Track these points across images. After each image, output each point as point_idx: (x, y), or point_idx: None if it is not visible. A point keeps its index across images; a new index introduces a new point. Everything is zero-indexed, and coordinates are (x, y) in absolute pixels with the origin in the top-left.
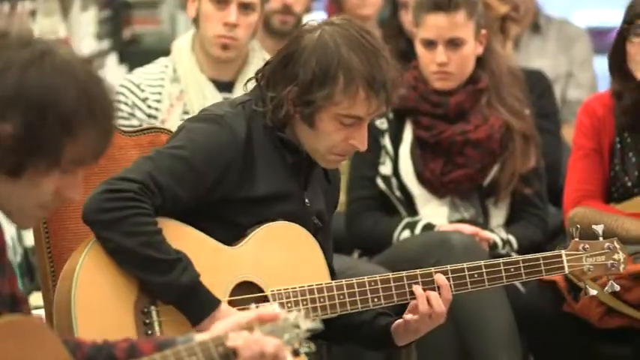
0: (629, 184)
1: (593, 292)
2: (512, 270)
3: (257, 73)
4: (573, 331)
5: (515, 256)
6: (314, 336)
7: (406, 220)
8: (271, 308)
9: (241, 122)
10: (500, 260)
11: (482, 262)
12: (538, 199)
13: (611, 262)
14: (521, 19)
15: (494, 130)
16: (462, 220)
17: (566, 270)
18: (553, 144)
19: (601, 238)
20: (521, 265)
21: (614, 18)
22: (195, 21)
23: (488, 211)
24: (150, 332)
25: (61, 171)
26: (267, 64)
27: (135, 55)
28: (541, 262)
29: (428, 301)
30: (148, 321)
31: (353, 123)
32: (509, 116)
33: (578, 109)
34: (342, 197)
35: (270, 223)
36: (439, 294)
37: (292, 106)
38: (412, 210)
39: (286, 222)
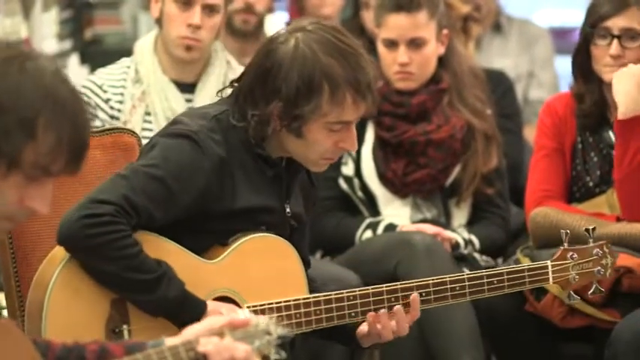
0: (591, 184)
1: (577, 298)
2: (495, 282)
3: (232, 83)
4: (535, 331)
5: (499, 268)
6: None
7: (368, 220)
8: (243, 314)
9: (217, 138)
10: (484, 272)
11: (465, 275)
12: (500, 199)
13: (598, 268)
14: (483, 19)
15: (456, 130)
16: (424, 220)
17: (551, 281)
18: (515, 144)
19: (591, 241)
20: (505, 277)
21: (575, 18)
22: (159, 22)
23: (450, 211)
24: None
25: (25, 177)
26: (242, 75)
27: (96, 55)
28: (526, 273)
29: (393, 325)
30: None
31: (342, 128)
32: (471, 116)
33: (539, 109)
34: None
35: (252, 236)
36: (408, 311)
37: (279, 121)
38: (374, 210)
39: (267, 234)
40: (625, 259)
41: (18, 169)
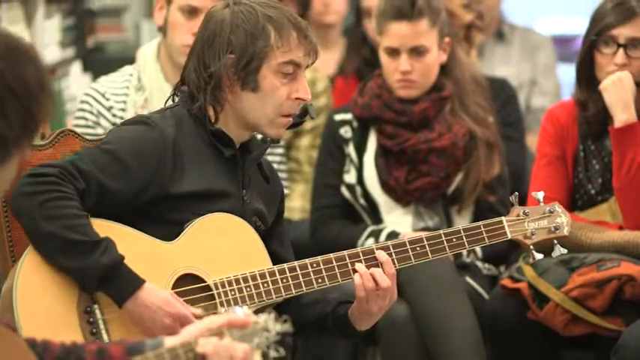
0: (593, 191)
1: (540, 256)
2: (454, 240)
3: (182, 77)
4: (537, 339)
5: (455, 227)
6: (292, 332)
7: (370, 228)
8: (242, 313)
9: (169, 122)
10: (441, 231)
11: (423, 235)
12: (502, 206)
13: (554, 225)
14: (485, 27)
15: (458, 138)
16: (426, 228)
17: (509, 235)
18: (517, 152)
19: (541, 203)
20: (463, 234)
21: (577, 26)
22: (162, 29)
23: (452, 219)
24: (95, 331)
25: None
26: (187, 62)
27: (99, 63)
28: (482, 229)
29: (373, 277)
30: (91, 319)
31: (293, 72)
32: (473, 124)
33: (542, 117)
34: (307, 204)
35: (205, 216)
36: (383, 270)
37: (233, 73)
38: (377, 218)
39: (220, 213)
40: (627, 267)
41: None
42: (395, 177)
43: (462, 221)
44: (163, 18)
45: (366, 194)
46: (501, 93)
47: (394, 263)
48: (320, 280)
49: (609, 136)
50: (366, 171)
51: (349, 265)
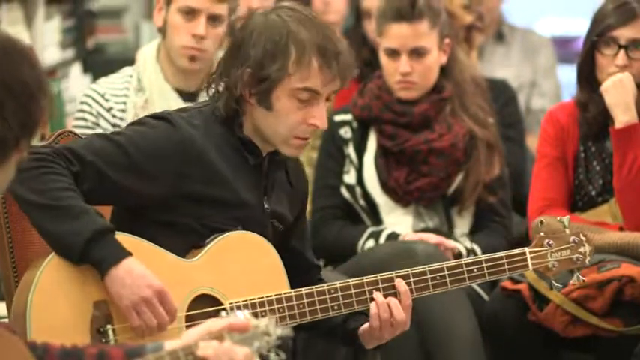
0: (593, 193)
1: (560, 286)
2: (475, 270)
3: (211, 75)
4: (537, 340)
5: (477, 256)
6: (297, 327)
7: (370, 229)
8: (242, 316)
9: (196, 123)
10: (463, 261)
11: (444, 264)
12: (502, 207)
13: (577, 255)
14: (485, 28)
15: (458, 139)
16: (426, 229)
17: (530, 267)
18: (517, 153)
19: (567, 230)
20: (484, 265)
21: (577, 27)
22: (162, 31)
23: (453, 220)
24: None
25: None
26: (218, 63)
27: (99, 64)
28: (504, 260)
29: (389, 308)
30: (104, 340)
31: (310, 98)
32: (473, 125)
33: (542, 118)
34: (308, 206)
35: (228, 234)
36: (399, 300)
37: (247, 88)
38: (377, 219)
39: (243, 231)
40: (627, 268)
41: None
42: (395, 178)
43: (462, 222)
44: (163, 19)
45: (366, 195)
46: (501, 94)
47: (412, 292)
48: (336, 307)
49: (610, 138)
50: (365, 172)
51: (367, 292)
